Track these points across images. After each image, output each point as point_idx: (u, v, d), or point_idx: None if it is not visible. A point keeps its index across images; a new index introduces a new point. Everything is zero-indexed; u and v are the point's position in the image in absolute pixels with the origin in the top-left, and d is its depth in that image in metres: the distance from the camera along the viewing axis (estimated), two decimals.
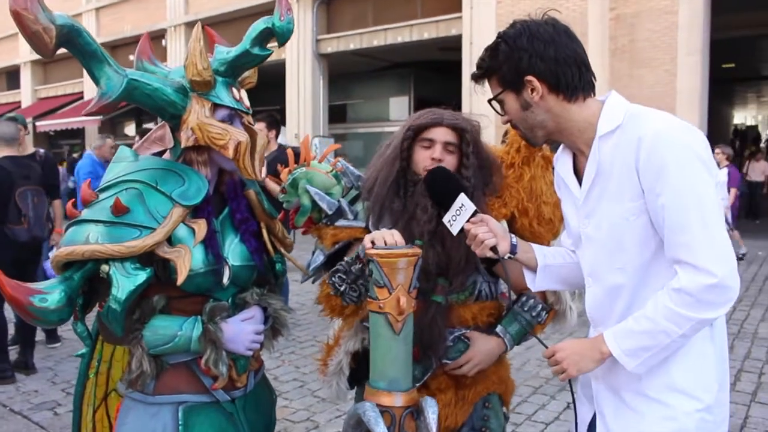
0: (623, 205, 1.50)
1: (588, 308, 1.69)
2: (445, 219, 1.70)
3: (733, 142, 20.75)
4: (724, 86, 19.17)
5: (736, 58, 16.71)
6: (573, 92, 1.54)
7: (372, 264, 1.49)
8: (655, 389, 1.53)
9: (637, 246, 1.51)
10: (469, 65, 13.27)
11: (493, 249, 1.65)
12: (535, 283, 1.77)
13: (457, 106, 12.90)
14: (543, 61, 1.51)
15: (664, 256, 1.48)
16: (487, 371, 2.00)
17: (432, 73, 17.28)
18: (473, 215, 1.66)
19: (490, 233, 1.65)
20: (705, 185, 1.42)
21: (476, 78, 1.63)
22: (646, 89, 10.72)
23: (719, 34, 11.57)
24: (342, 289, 1.70)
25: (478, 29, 13.13)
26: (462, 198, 1.67)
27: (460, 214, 1.66)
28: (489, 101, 1.63)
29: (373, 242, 1.60)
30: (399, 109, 18.01)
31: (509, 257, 1.70)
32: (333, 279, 1.71)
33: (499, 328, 1.96)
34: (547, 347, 1.64)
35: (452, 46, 14.01)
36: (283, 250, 1.91)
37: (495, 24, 12.84)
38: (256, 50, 1.65)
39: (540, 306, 1.97)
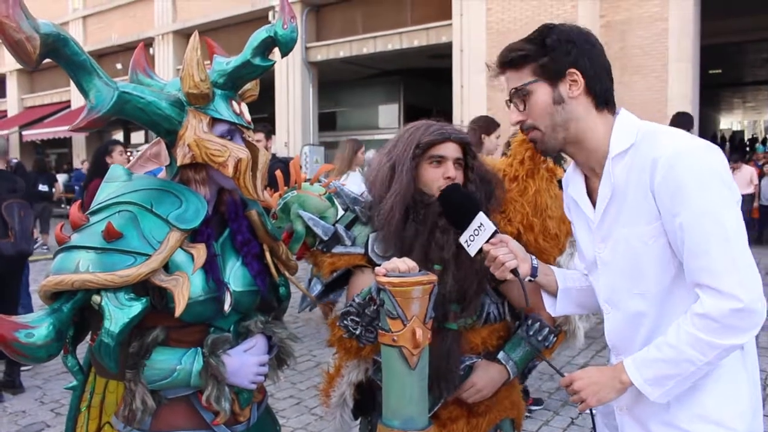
0: (640, 228, 1.43)
1: (608, 336, 1.60)
2: (462, 239, 1.61)
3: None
4: (711, 92, 19.30)
5: (722, 64, 16.84)
6: (602, 101, 1.50)
7: (383, 293, 1.39)
8: (685, 420, 1.45)
9: (656, 270, 1.44)
10: (459, 72, 13.25)
11: (513, 271, 1.56)
12: (555, 307, 1.69)
13: (447, 113, 12.86)
14: (588, 60, 1.48)
15: (685, 284, 1.41)
16: (500, 396, 1.91)
17: (422, 81, 17.26)
18: (493, 236, 1.57)
19: (511, 254, 1.56)
20: (725, 205, 1.35)
21: (504, 63, 1.53)
22: (638, 96, 10.71)
23: (706, 40, 11.62)
24: (357, 332, 1.60)
25: (467, 36, 13.11)
26: (481, 217, 1.58)
27: (478, 234, 1.57)
28: (515, 89, 1.51)
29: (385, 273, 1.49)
30: (389, 116, 17.96)
31: (530, 280, 1.62)
32: (345, 322, 1.61)
33: (501, 355, 1.86)
34: (563, 375, 1.56)
35: (442, 53, 13.98)
36: (287, 274, 1.80)
37: (485, 31, 12.83)
38: (257, 61, 1.55)
39: (547, 329, 1.87)
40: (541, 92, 1.49)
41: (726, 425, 1.43)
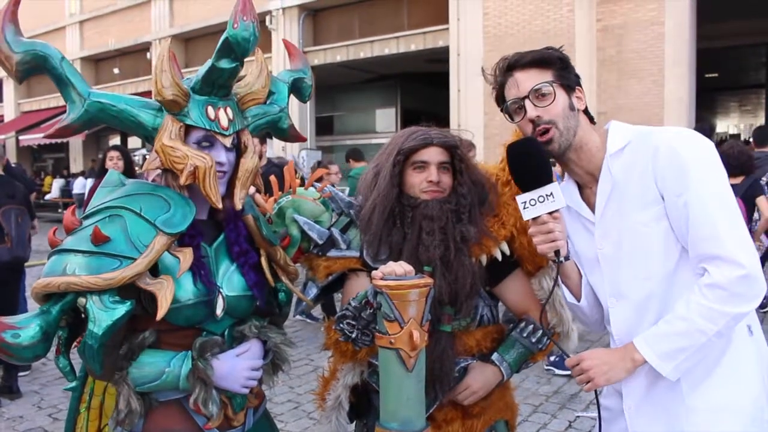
0: (643, 212, 1.53)
1: (615, 329, 1.63)
2: (522, 198, 1.57)
3: None
4: (707, 95, 19.37)
5: (718, 68, 16.90)
6: (593, 120, 1.69)
7: (381, 296, 1.39)
8: (700, 409, 1.52)
9: (660, 253, 1.53)
10: (456, 76, 13.28)
11: (557, 252, 1.57)
12: (581, 295, 1.70)
13: (445, 117, 12.84)
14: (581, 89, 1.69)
15: (689, 268, 1.49)
16: (493, 398, 1.91)
17: (419, 85, 17.30)
18: (557, 210, 1.56)
19: (563, 233, 1.57)
20: (723, 181, 1.49)
21: (532, 62, 1.60)
22: (634, 99, 10.75)
23: (702, 43, 11.67)
24: (353, 336, 1.59)
25: (464, 40, 13.15)
26: (555, 187, 1.54)
27: (543, 201, 1.54)
28: (543, 83, 1.58)
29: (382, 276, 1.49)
30: (386, 120, 18.00)
31: (560, 261, 1.62)
32: (341, 325, 1.60)
33: (495, 356, 1.86)
34: (569, 356, 1.60)
35: (439, 57, 14.02)
36: (285, 280, 1.78)
37: (482, 35, 12.87)
38: (222, 63, 1.51)
39: (540, 331, 1.86)
40: (561, 95, 1.60)
41: (737, 411, 1.50)
